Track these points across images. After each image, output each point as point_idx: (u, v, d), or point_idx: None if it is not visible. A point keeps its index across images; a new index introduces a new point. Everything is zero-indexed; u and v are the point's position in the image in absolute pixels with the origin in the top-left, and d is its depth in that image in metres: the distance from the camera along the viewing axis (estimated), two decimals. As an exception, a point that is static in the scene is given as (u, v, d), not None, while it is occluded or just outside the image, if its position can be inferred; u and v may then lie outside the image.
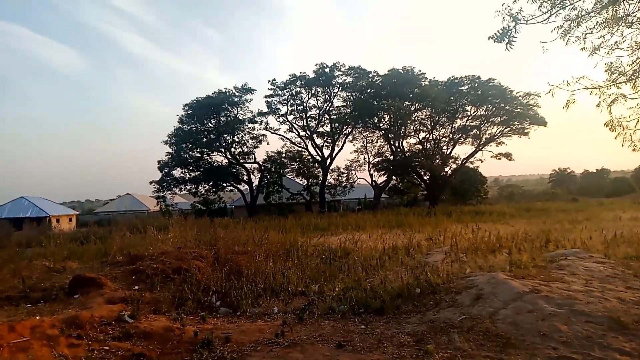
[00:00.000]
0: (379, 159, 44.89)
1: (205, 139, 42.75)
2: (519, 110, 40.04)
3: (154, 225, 16.93)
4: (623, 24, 7.96)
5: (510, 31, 5.98)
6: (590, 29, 7.88)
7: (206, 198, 43.80)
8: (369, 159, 45.45)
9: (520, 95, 40.11)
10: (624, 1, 7.58)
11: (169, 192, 43.33)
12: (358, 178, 46.01)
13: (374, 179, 45.01)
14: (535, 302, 6.47)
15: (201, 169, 42.79)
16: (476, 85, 41.00)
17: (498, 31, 6.04)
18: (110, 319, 6.47)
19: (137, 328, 6.21)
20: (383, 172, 44.53)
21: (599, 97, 8.51)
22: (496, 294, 6.94)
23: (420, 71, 41.43)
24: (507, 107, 40.14)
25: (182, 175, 42.96)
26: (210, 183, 42.86)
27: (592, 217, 24.32)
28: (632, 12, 7.81)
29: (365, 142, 45.42)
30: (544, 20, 6.57)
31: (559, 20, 7.49)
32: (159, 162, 42.74)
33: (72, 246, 14.83)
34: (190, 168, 42.93)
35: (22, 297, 8.04)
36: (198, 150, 43.23)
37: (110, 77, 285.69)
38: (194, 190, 43.21)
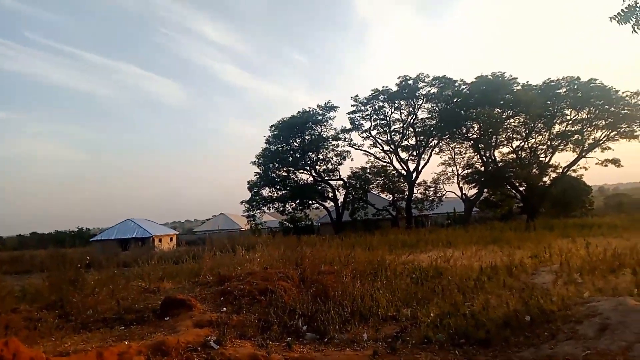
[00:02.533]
0: (469, 170, 42.84)
1: (290, 158, 43.67)
2: (626, 111, 36.09)
3: (243, 244, 17.18)
4: None
5: (637, 9, 5.05)
6: None
7: (293, 216, 44.59)
8: (457, 171, 43.70)
9: (627, 95, 36.21)
10: None
11: (258, 211, 44.69)
12: (446, 192, 44.33)
13: (463, 192, 43.00)
14: (680, 336, 5.31)
15: (288, 188, 43.68)
16: (575, 87, 37.60)
17: (622, 10, 5.12)
18: (197, 345, 6.32)
19: (222, 355, 5.99)
20: (473, 185, 42.34)
21: None
22: (627, 324, 5.83)
23: (511, 76, 39.01)
24: (613, 108, 36.40)
25: (270, 194, 44.23)
26: (297, 201, 43.68)
27: None
28: None
29: (452, 154, 43.78)
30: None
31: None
32: (248, 182, 44.36)
33: (167, 266, 15.43)
34: (278, 187, 44.03)
35: (116, 319, 8.26)
36: (284, 169, 44.30)
37: (209, 105, 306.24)
38: (281, 208, 44.26)
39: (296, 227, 42.64)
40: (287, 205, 44.10)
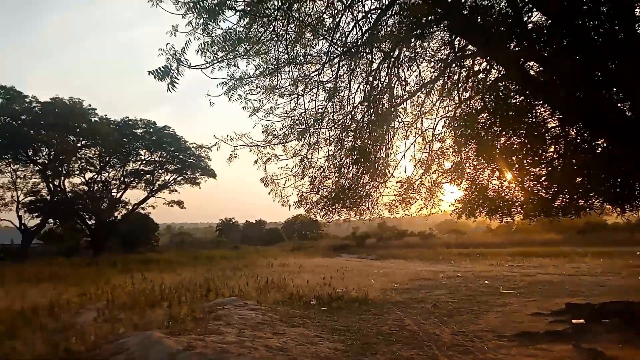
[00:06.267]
0: (32, 198, 38.12)
1: None
2: (191, 160, 42.12)
3: None
4: (277, 93, 9.04)
5: (173, 71, 5.72)
6: (250, 90, 8.61)
7: None
8: (18, 197, 37.95)
9: (193, 146, 42.25)
10: (278, 73, 8.63)
11: None
12: (1, 220, 37.73)
13: (23, 221, 37.66)
14: (189, 360, 6.05)
15: None
16: (152, 130, 40.90)
17: (160, 68, 5.69)
18: None
19: None
20: (37, 214, 37.91)
21: (257, 155, 9.27)
22: (148, 356, 6.20)
23: (90, 105, 37.96)
24: (181, 156, 41.65)
25: None
26: None
27: (250, 264, 26.69)
28: (284, 85, 8.97)
29: (14, 177, 37.79)
30: (206, 68, 6.70)
31: (223, 78, 7.85)
32: None
33: None
34: None
35: None
36: None
37: None
38: None
39: None
40: None
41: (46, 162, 36.70)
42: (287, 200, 9.52)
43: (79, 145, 37.31)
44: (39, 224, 38.46)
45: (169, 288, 13.23)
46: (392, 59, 8.64)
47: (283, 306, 10.85)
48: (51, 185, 37.71)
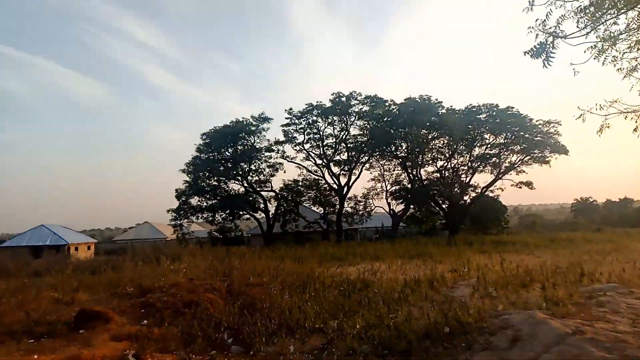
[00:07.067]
0: (397, 187, 44.46)
1: (222, 168, 42.97)
2: (538, 138, 39.34)
3: (167, 255, 16.55)
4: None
5: (548, 46, 5.55)
6: (627, 48, 7.43)
7: (223, 226, 43.71)
8: (386, 187, 45.10)
9: (539, 124, 39.50)
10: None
11: (186, 220, 43.45)
12: (375, 206, 45.52)
13: (391, 207, 44.36)
14: (580, 345, 5.77)
15: (218, 197, 42.88)
16: (494, 113, 40.46)
17: (535, 46, 5.62)
18: (114, 359, 5.97)
19: (141, 369, 5.70)
20: (401, 201, 43.92)
21: (636, 122, 7.95)
22: (535, 335, 6.26)
23: (437, 99, 41.40)
24: (527, 135, 39.54)
25: (199, 203, 43.11)
26: (227, 211, 42.93)
27: (620, 248, 23.16)
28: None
29: (382, 171, 45.19)
30: (583, 35, 6.14)
31: (591, 41, 7.05)
32: (176, 190, 43.00)
33: (83, 276, 14.48)
34: (207, 196, 43.07)
35: (25, 332, 7.60)
36: (215, 178, 43.44)
37: (134, 108, 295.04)
38: (210, 218, 43.23)
39: (225, 238, 41.91)
40: (216, 215, 43.29)
41: (405, 155, 42.08)
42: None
43: (429, 137, 41.08)
44: (403, 208, 44.39)
45: (535, 270, 12.93)
46: None
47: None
48: (410, 175, 42.95)
